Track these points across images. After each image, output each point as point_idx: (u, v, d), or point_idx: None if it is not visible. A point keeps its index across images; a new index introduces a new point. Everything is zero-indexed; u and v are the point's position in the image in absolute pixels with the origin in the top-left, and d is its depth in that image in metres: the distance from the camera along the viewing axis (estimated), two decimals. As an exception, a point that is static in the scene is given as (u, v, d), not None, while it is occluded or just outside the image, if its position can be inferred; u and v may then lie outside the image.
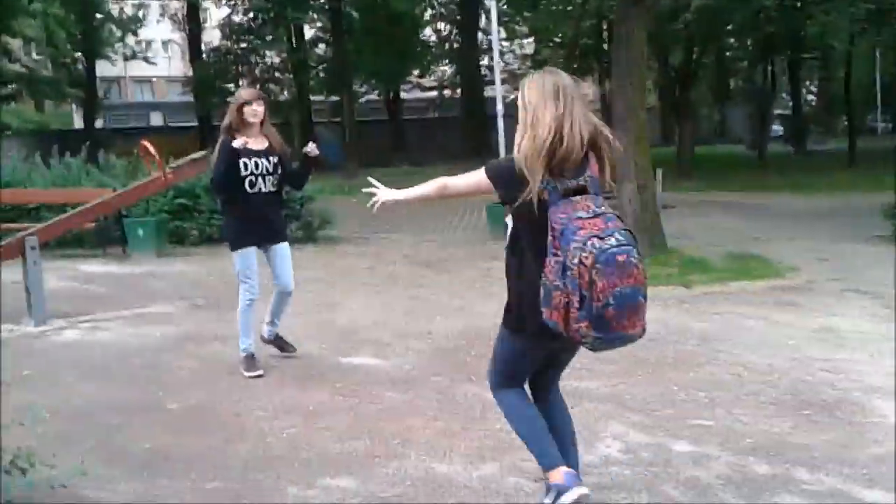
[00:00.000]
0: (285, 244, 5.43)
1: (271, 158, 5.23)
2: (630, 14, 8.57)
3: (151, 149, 7.36)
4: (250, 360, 5.25)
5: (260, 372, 5.19)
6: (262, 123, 5.24)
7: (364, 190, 3.50)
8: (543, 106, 2.96)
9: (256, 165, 5.16)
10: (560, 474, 3.06)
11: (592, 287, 2.78)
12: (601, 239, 2.80)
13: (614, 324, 2.85)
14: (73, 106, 33.40)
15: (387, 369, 5.38)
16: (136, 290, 8.35)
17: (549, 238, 2.88)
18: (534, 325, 3.00)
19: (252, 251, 5.26)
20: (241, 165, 5.12)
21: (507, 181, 3.00)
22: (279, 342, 5.64)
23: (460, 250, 10.56)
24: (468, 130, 29.79)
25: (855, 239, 10.61)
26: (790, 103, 37.01)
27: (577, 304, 2.80)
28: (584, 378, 5.07)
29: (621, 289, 2.83)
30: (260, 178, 5.17)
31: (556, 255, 2.85)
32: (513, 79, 28.02)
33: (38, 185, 11.34)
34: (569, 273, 2.80)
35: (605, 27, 22.22)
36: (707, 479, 3.60)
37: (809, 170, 23.46)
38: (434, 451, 3.95)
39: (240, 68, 29.04)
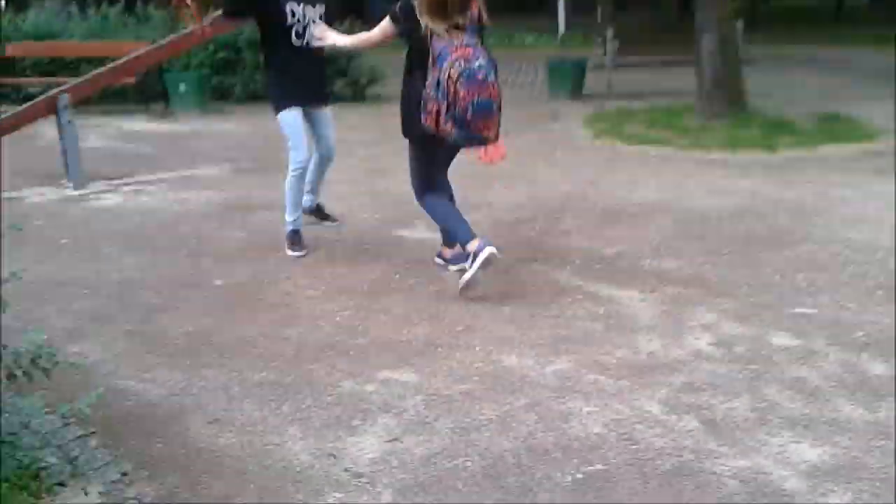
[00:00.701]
0: (328, 110, 4.95)
1: (318, 6, 4.62)
2: None
3: (188, -1, 6.73)
4: (296, 238, 4.81)
5: (304, 252, 4.76)
6: None
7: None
8: None
9: (304, 15, 4.56)
10: (476, 242, 4.03)
11: (457, 96, 3.71)
12: (467, 61, 3.72)
13: (472, 126, 3.83)
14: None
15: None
16: (179, 150, 7.96)
17: (430, 61, 3.77)
18: (420, 130, 3.92)
19: (298, 113, 4.73)
20: (288, 12, 4.50)
21: (407, 20, 3.93)
22: (320, 213, 5.25)
23: (519, 110, 9.82)
24: None
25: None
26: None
27: (444, 110, 3.74)
28: (664, 257, 4.59)
29: (479, 99, 3.77)
30: (306, 30, 4.57)
31: (433, 74, 3.76)
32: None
33: (75, 37, 10.80)
34: (440, 86, 3.72)
35: None
36: (816, 381, 3.15)
37: (887, 21, 21.64)
38: (502, 342, 3.55)
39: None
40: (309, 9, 4.55)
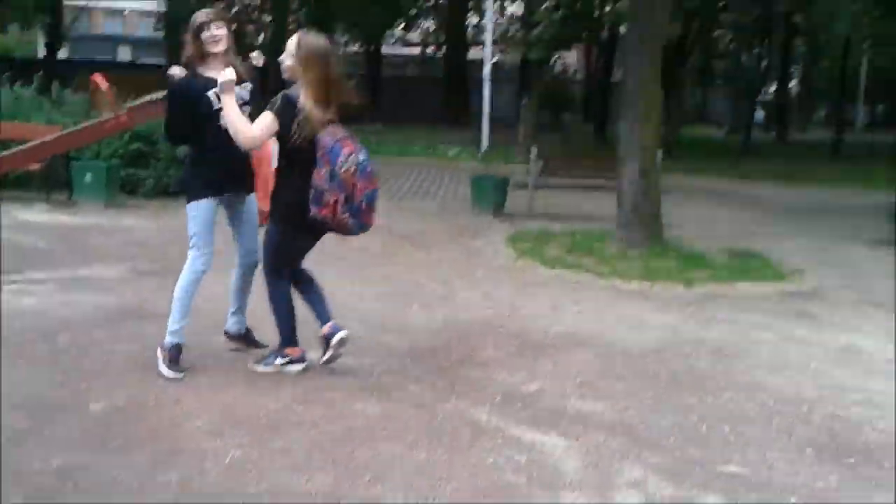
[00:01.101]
0: (253, 197, 4.49)
1: (244, 86, 4.29)
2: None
3: (103, 85, 6.39)
4: (176, 354, 4.30)
5: (182, 374, 4.25)
6: (226, 52, 4.27)
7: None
8: (326, 64, 4.12)
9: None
10: (329, 326, 4.39)
11: (354, 188, 4.04)
12: (356, 154, 4.06)
13: (364, 216, 4.15)
14: (39, 33, 31.63)
15: (356, 371, 4.59)
16: (75, 245, 7.44)
17: (319, 154, 4.03)
18: (302, 219, 4.12)
19: (213, 205, 4.30)
20: (213, 98, 4.16)
21: (290, 118, 4.04)
22: (248, 339, 4.69)
23: (441, 223, 9.76)
24: (448, 92, 28.78)
25: (855, 240, 9.99)
26: (770, 89, 36.50)
27: (343, 201, 4.04)
28: (587, 397, 4.35)
29: (371, 191, 4.13)
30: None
31: (325, 166, 4.02)
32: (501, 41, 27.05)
33: (-20, 117, 10.25)
34: (336, 178, 4.01)
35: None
36: (752, 558, 2.89)
37: (794, 158, 22.92)
38: (416, 492, 3.19)
39: (214, 4, 27.58)
40: (238, 91, 4.22)
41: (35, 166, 9.04)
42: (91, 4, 41.06)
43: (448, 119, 27.48)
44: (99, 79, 6.25)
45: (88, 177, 9.34)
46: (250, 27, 28.34)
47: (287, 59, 4.11)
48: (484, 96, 18.44)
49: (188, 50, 4.23)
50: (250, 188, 4.49)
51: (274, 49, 27.48)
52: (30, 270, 6.38)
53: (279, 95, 4.09)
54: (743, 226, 10.95)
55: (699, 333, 5.74)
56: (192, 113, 4.20)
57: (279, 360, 4.40)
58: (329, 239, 5.68)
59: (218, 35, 4.18)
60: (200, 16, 4.23)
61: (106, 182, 9.39)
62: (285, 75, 4.16)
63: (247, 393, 4.13)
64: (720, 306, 6.57)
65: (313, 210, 4.05)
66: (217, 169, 4.26)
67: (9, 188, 10.03)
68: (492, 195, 10.45)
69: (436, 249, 8.23)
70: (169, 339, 4.30)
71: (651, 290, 6.89)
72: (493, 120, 18.62)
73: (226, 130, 4.12)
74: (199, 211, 4.28)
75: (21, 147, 6.24)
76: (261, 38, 28.76)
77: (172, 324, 4.29)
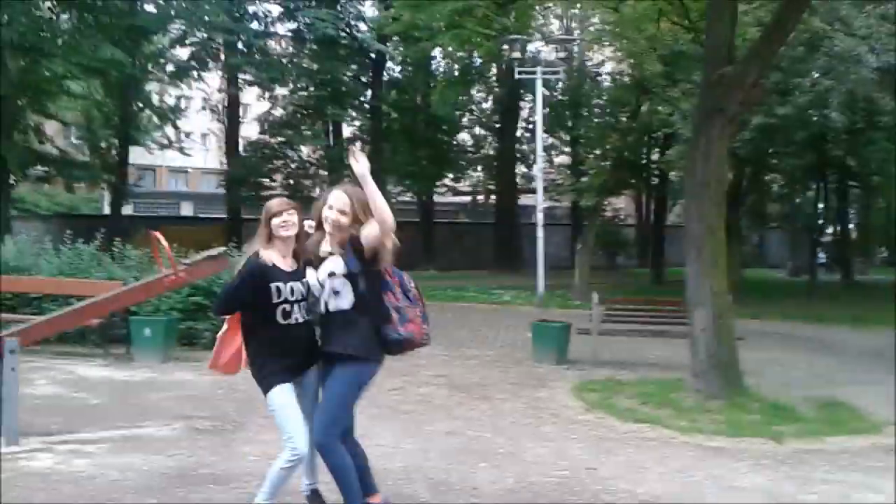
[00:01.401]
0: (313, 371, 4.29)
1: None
2: (711, 123, 7.64)
3: (163, 241, 6.40)
4: None
5: None
6: (297, 237, 4.23)
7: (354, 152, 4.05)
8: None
9: (292, 291, 4.11)
10: (380, 497, 4.34)
11: (421, 302, 4.28)
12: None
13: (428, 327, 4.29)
14: (105, 191, 33.12)
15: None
16: (131, 402, 7.25)
17: (387, 279, 4.18)
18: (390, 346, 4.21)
19: (291, 391, 4.13)
20: (273, 291, 4.07)
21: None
22: (316, 500, 4.42)
23: (502, 372, 9.39)
24: (500, 237, 28.98)
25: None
26: (829, 230, 36.04)
27: (421, 314, 4.23)
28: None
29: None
30: (296, 307, 4.13)
31: (396, 288, 4.19)
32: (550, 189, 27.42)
33: (44, 272, 10.43)
34: (410, 295, 4.23)
35: (650, 140, 21.55)
36: None
37: (861, 300, 22.15)
38: None
39: (274, 163, 28.65)
40: (297, 285, 4.13)
41: (92, 322, 9.02)
42: (157, 163, 43.18)
43: (500, 264, 27.54)
44: (158, 235, 6.26)
45: (147, 331, 9.29)
46: (307, 182, 29.27)
47: (342, 215, 4.05)
48: (538, 240, 18.39)
49: (258, 235, 4.21)
50: (313, 362, 4.27)
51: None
52: (83, 429, 6.17)
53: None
54: (821, 372, 10.34)
55: (797, 497, 5.19)
56: (255, 298, 4.09)
57: None
58: (388, 392, 5.37)
59: (289, 221, 4.16)
60: (273, 204, 4.22)
61: (164, 336, 9.32)
62: (337, 227, 4.08)
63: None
64: (815, 464, 6.01)
65: (400, 330, 4.11)
66: (281, 361, 4.12)
67: (69, 343, 10.06)
68: (553, 342, 10.11)
69: (499, 401, 7.83)
70: None
71: (738, 447, 6.37)
72: (546, 265, 18.48)
73: (292, 325, 4.12)
74: (277, 401, 4.09)
75: (80, 304, 6.18)
76: (317, 191, 29.63)
77: (260, 497, 4.12)
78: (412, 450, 5.99)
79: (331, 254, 4.07)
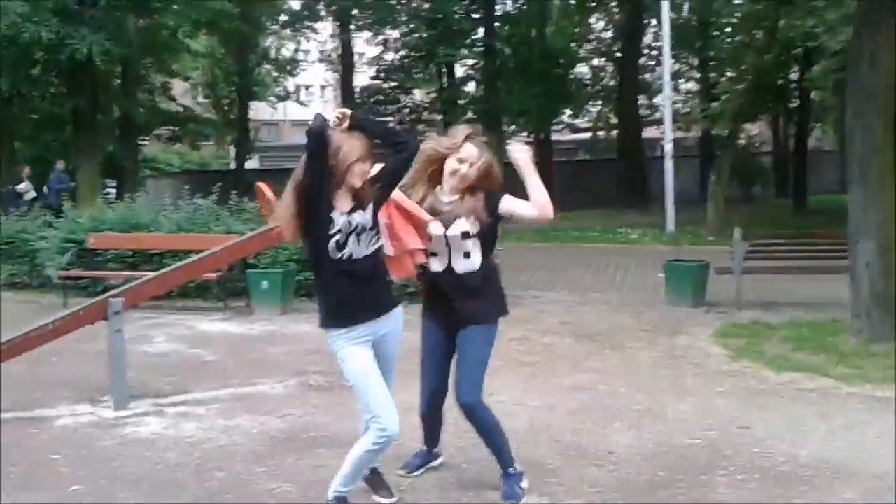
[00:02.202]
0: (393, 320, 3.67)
1: (364, 210, 3.52)
2: (879, 26, 6.55)
3: (269, 193, 6.05)
4: None
5: None
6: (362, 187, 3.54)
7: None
8: None
9: (350, 224, 3.46)
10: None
11: None
12: None
13: None
14: (231, 147, 34.02)
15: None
16: (247, 358, 7.06)
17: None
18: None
19: (367, 352, 3.51)
20: (332, 218, 3.44)
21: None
22: (375, 480, 3.91)
23: (633, 318, 8.69)
24: (623, 174, 27.69)
25: None
26: None
27: None
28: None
29: None
30: (350, 241, 3.45)
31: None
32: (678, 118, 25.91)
33: (163, 229, 10.46)
34: None
35: (791, 57, 19.74)
36: None
37: None
38: None
39: (388, 108, 28.30)
40: (357, 215, 3.47)
41: (210, 276, 8.93)
42: (278, 118, 43.98)
43: (625, 201, 26.34)
44: (264, 187, 5.92)
45: (264, 284, 9.13)
46: (421, 126, 28.86)
47: (472, 168, 3.84)
48: (666, 173, 17.31)
49: (337, 166, 3.43)
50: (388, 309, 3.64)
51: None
52: (196, 389, 5.99)
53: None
54: None
55: None
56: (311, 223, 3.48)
57: (524, 483, 3.99)
58: (510, 342, 4.88)
59: (366, 170, 3.48)
60: (356, 149, 3.45)
61: (282, 288, 9.14)
62: (464, 181, 3.84)
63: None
64: None
65: None
66: (345, 306, 3.52)
67: (191, 297, 10.09)
68: (689, 283, 9.28)
69: (632, 350, 7.18)
70: (335, 496, 3.60)
71: (912, 404, 5.50)
72: (674, 199, 17.38)
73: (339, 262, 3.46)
74: (353, 365, 3.48)
75: (185, 262, 5.96)
76: (427, 136, 29.20)
77: (340, 485, 3.57)
78: (538, 407, 5.47)
79: (457, 216, 3.82)
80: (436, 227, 3.79)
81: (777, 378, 6.09)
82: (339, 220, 3.43)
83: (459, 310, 3.83)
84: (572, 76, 31.07)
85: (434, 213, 3.82)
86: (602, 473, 4.26)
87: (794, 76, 22.06)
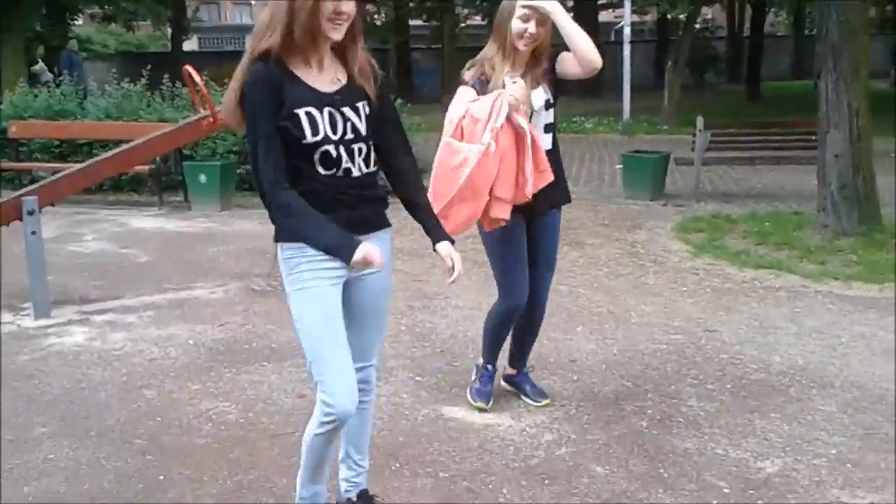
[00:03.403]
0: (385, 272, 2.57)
1: (360, 105, 2.39)
2: None
3: (196, 77, 5.47)
4: None
5: None
6: (349, 38, 2.35)
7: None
8: None
9: (332, 119, 2.32)
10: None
11: None
12: None
13: None
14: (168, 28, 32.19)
15: (516, 439, 3.39)
16: (184, 258, 6.59)
17: None
18: None
19: (331, 295, 2.38)
20: (304, 120, 2.27)
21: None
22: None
23: (591, 212, 8.38)
24: (579, 59, 26.92)
25: None
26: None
27: None
28: (854, 483, 2.96)
29: None
30: (343, 148, 2.33)
31: None
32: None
33: (89, 116, 9.70)
34: None
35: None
36: None
37: None
38: None
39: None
40: (344, 112, 2.34)
41: (143, 168, 8.32)
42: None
43: (580, 87, 25.73)
44: (191, 71, 5.33)
45: (202, 177, 8.55)
46: (369, 6, 27.51)
47: (541, 26, 3.28)
48: (624, 60, 16.74)
49: (280, 25, 2.25)
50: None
51: (396, 28, 26.63)
52: (126, 294, 5.54)
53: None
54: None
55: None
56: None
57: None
58: (467, 240, 4.57)
59: (343, 14, 2.27)
60: None
61: (221, 182, 8.57)
62: (533, 42, 3.30)
63: (373, 477, 3.00)
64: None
65: None
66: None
67: (124, 191, 9.48)
68: (649, 176, 8.96)
69: (591, 247, 6.89)
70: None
71: (883, 296, 5.32)
72: (631, 86, 16.90)
73: (334, 177, 2.35)
74: (306, 305, 2.37)
75: (104, 156, 5.39)
76: (379, 17, 27.91)
77: (302, 489, 2.57)
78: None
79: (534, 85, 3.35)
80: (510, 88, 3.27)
81: (741, 275, 5.86)
82: (318, 110, 2.29)
83: (539, 194, 3.35)
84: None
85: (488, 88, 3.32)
86: (565, 384, 3.99)
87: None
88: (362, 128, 2.37)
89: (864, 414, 3.58)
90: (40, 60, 16.78)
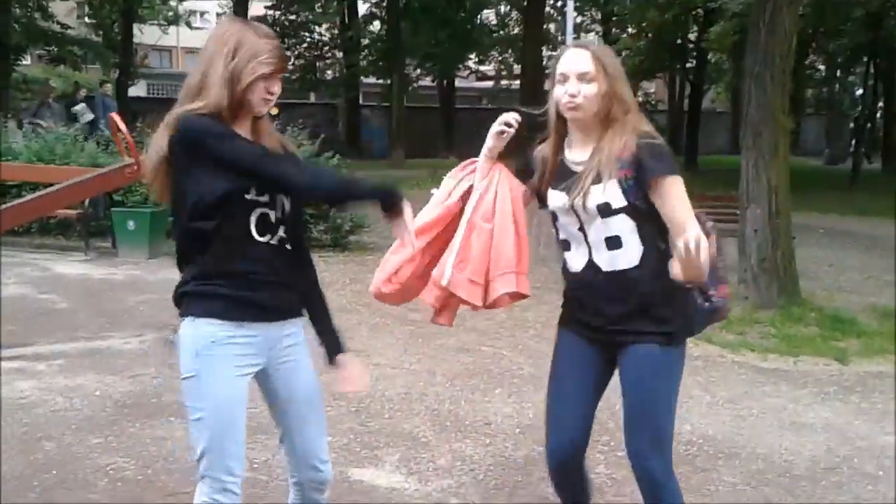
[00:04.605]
0: (308, 362, 2.38)
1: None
2: (780, -14, 6.40)
3: (122, 125, 5.45)
4: None
5: None
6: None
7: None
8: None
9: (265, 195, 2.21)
10: None
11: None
12: None
13: None
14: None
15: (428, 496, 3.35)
16: (103, 306, 6.44)
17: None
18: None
19: (240, 386, 2.22)
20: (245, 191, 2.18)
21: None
22: None
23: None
24: (526, 123, 27.54)
25: None
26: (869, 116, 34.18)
27: (723, 265, 2.70)
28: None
29: None
30: (274, 217, 2.22)
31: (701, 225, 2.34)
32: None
33: (22, 158, 9.51)
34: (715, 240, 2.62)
35: (691, 16, 19.83)
36: None
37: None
38: None
39: (285, 41, 27.07)
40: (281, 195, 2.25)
41: (70, 213, 8.17)
42: (170, 44, 41.68)
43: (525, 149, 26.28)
44: (117, 118, 5.30)
45: (131, 224, 8.42)
46: (320, 64, 27.83)
47: (588, 83, 2.36)
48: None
49: (220, 96, 2.13)
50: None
51: (347, 84, 26.87)
52: (40, 341, 5.38)
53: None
54: (876, 274, 9.32)
55: (876, 438, 4.30)
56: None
57: None
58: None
59: (275, 93, 2.21)
60: (261, 47, 2.17)
61: (150, 229, 8.44)
62: (578, 109, 2.38)
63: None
64: (888, 392, 5.11)
65: (712, 295, 2.50)
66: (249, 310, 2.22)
67: (52, 234, 9.28)
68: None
69: (519, 308, 6.92)
70: None
71: (797, 369, 5.47)
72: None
73: (265, 245, 2.20)
74: (207, 382, 2.18)
75: (21, 200, 5.29)
76: (330, 74, 28.20)
77: None
78: (417, 370, 5.15)
79: (590, 178, 2.38)
80: (557, 198, 2.46)
81: (663, 344, 5.95)
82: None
83: (615, 320, 2.45)
84: (478, 21, 30.55)
85: (559, 179, 2.48)
86: (476, 448, 3.97)
87: (692, 36, 22.29)
88: (288, 206, 2.24)
89: (766, 486, 3.64)
90: (82, 101, 16.41)
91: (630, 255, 2.40)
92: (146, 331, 5.71)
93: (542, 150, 2.56)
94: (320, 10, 25.69)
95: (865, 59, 24.07)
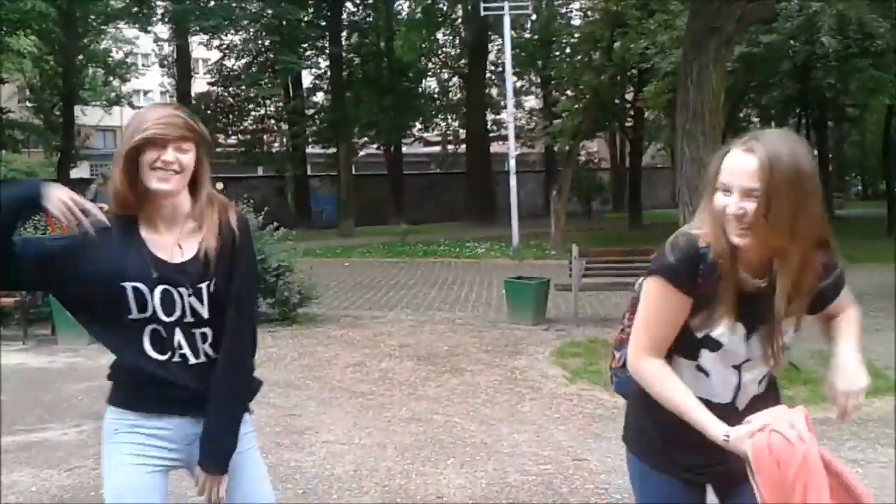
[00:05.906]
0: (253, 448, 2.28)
1: (202, 284, 2.05)
2: (704, 46, 6.60)
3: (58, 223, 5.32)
4: None
5: None
6: (194, 187, 2.08)
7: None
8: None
9: (165, 300, 2.03)
10: None
11: None
12: None
13: None
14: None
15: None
16: (41, 396, 6.22)
17: None
18: None
19: (148, 485, 2.10)
20: (130, 296, 2.00)
21: None
22: None
23: (474, 338, 8.44)
24: (473, 188, 27.90)
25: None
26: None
27: None
28: None
29: None
30: (179, 331, 2.05)
31: None
32: (522, 135, 26.36)
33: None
34: None
35: (626, 77, 20.45)
36: None
37: (845, 237, 21.32)
38: None
39: (230, 117, 27.14)
40: (181, 290, 2.03)
41: (8, 301, 7.95)
42: (114, 124, 41.54)
43: (473, 215, 26.55)
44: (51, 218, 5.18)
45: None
46: (266, 137, 27.96)
47: (750, 199, 1.80)
48: (511, 189, 17.42)
49: (117, 178, 2.03)
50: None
51: (292, 157, 26.97)
52: (-28, 438, 5.15)
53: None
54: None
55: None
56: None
57: None
58: (344, 369, 4.42)
59: (171, 164, 2.00)
60: (144, 120, 2.00)
61: (91, 313, 8.22)
62: (745, 226, 1.81)
63: None
64: (840, 437, 5.18)
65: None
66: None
67: (-12, 324, 8.99)
68: (530, 301, 9.15)
69: (471, 374, 6.89)
70: None
71: (746, 420, 5.48)
72: (520, 213, 17.53)
73: (168, 363, 2.07)
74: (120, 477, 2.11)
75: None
76: (277, 146, 28.32)
77: None
78: (367, 445, 5.03)
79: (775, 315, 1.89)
80: (722, 333, 1.94)
81: (613, 400, 5.92)
82: (146, 279, 2.01)
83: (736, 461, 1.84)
84: (421, 90, 31.13)
85: (731, 307, 1.91)
86: (429, 523, 3.87)
87: (629, 96, 22.95)
88: (204, 311, 2.05)
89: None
90: (95, 189, 16.18)
91: None
92: (84, 420, 5.52)
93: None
94: (268, 84, 25.91)
95: (797, 110, 25.02)
